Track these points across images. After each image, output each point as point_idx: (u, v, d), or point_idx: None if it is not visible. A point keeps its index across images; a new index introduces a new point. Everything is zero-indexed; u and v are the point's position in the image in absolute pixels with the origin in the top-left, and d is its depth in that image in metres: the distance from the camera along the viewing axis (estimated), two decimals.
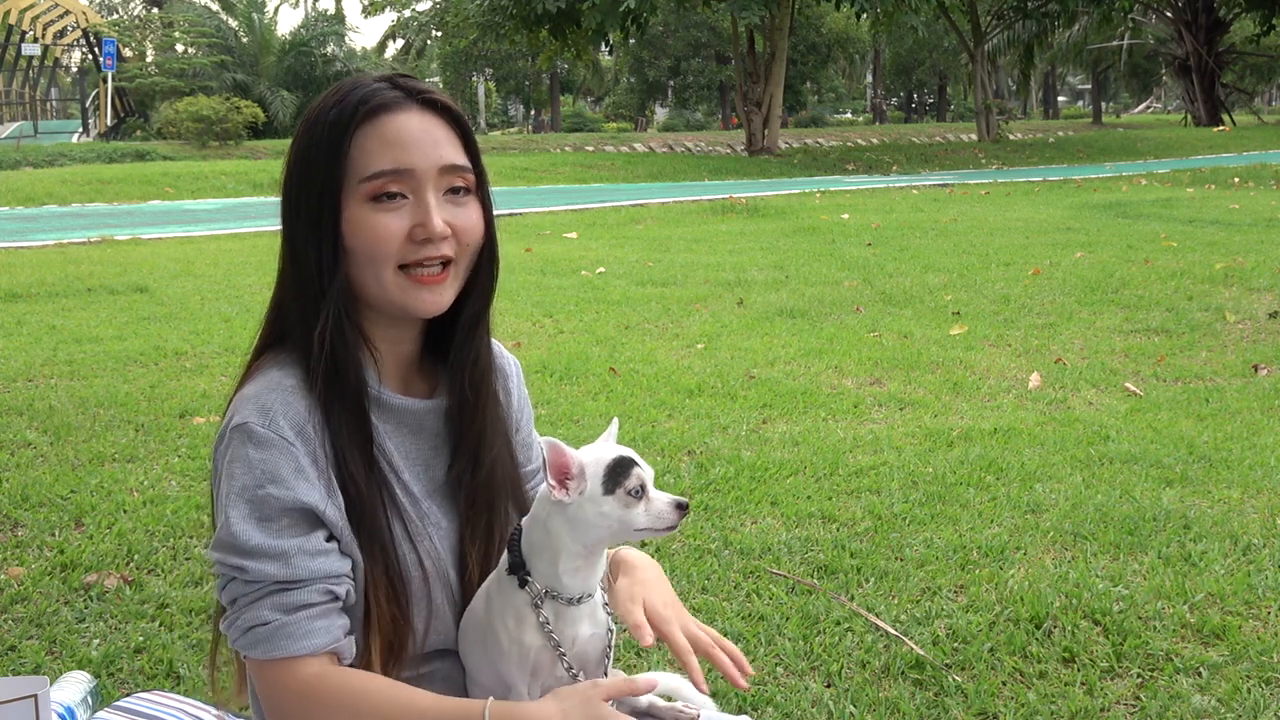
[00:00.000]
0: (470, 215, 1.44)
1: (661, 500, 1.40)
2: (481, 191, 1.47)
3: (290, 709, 1.38)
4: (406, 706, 1.37)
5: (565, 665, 1.43)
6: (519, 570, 1.43)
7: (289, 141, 1.48)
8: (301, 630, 1.35)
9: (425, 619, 1.48)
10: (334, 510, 1.38)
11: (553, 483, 1.38)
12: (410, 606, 1.45)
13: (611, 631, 1.48)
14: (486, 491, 1.53)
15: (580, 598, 1.43)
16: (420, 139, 1.40)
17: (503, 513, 1.54)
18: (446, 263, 1.42)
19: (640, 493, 1.39)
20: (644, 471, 1.40)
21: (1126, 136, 35.41)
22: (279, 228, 1.46)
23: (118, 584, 3.15)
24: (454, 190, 1.43)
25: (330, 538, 1.39)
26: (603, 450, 1.41)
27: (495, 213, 1.50)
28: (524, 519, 1.46)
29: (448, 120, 1.44)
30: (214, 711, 1.87)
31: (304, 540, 1.36)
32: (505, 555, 1.46)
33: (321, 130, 1.40)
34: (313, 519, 1.37)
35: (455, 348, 1.51)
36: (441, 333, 1.53)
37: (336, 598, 1.38)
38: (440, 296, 1.43)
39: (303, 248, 1.41)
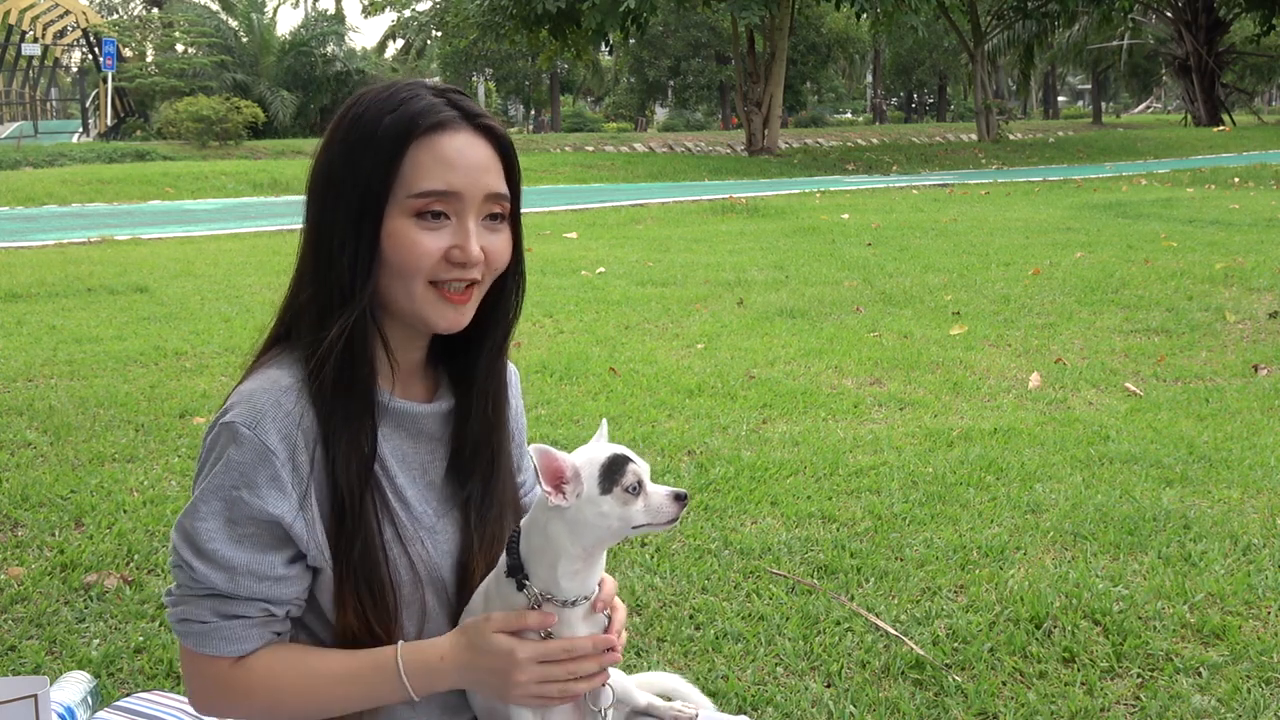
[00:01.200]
0: (502, 242, 1.47)
1: (659, 494, 1.38)
2: (515, 219, 1.49)
3: (213, 696, 1.44)
4: (323, 671, 1.42)
5: None
6: (517, 574, 1.42)
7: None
8: (235, 636, 1.40)
9: (418, 622, 1.48)
10: (303, 523, 1.39)
11: (548, 489, 1.37)
12: (400, 610, 1.45)
13: None
14: (497, 509, 1.55)
15: (577, 600, 1.43)
16: (471, 164, 1.41)
17: (507, 525, 1.56)
18: (472, 283, 1.44)
19: (637, 489, 1.37)
20: (639, 467, 1.39)
21: (1126, 136, 35.41)
22: (294, 224, 1.46)
23: (118, 584, 3.15)
24: (491, 216, 1.45)
25: (293, 559, 1.40)
26: (595, 450, 1.40)
27: None
28: (523, 521, 1.46)
29: (496, 147, 1.45)
30: None
31: (258, 559, 1.38)
32: (504, 556, 1.46)
33: (373, 134, 1.39)
34: (278, 533, 1.38)
35: (481, 372, 1.54)
36: (444, 340, 1.53)
37: (273, 615, 1.41)
38: (462, 315, 1.45)
39: (336, 247, 1.40)
